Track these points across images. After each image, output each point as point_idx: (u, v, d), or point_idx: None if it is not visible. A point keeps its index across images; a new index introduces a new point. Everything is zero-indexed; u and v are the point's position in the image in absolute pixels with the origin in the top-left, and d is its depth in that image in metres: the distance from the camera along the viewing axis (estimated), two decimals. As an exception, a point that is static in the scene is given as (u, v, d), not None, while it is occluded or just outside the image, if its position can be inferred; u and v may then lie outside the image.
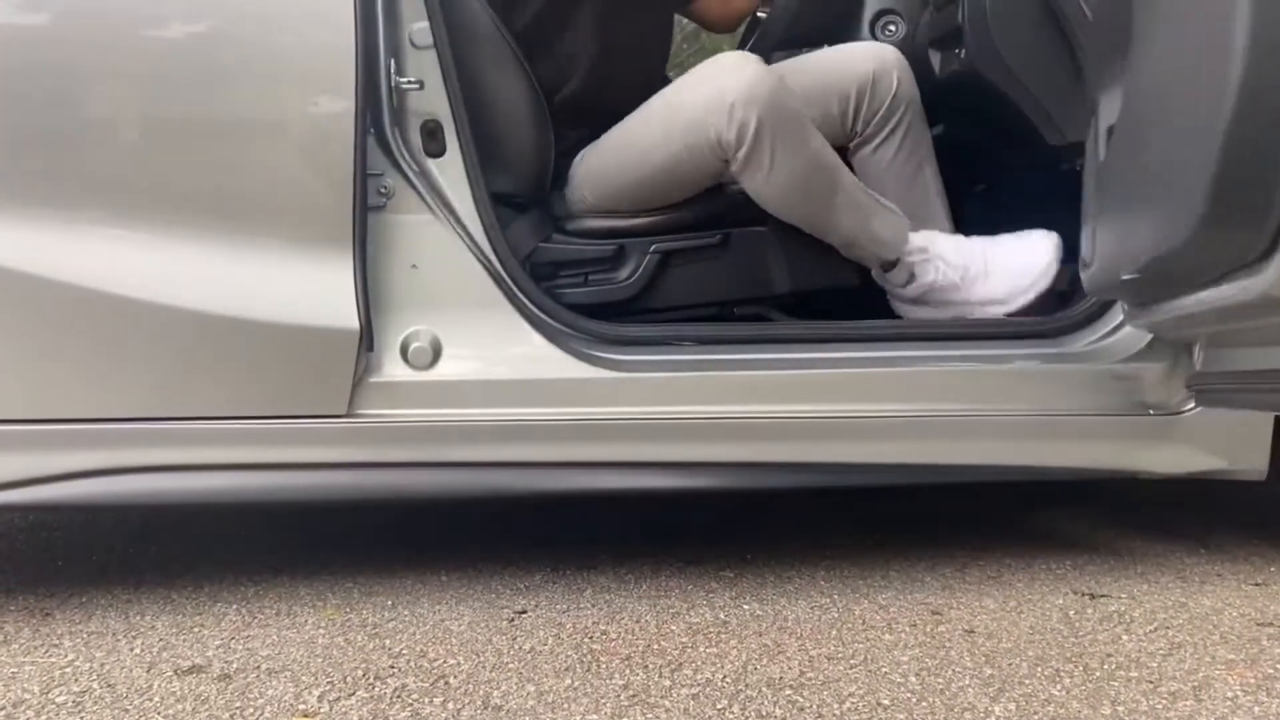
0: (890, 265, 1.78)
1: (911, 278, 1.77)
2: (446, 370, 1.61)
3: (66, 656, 1.39)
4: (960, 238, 1.80)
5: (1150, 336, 1.65)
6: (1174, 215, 1.22)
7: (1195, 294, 1.35)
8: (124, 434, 1.55)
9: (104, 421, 1.55)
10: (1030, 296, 1.74)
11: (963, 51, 1.81)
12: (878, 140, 1.83)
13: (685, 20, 2.21)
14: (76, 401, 1.54)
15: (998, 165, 2.09)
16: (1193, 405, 1.64)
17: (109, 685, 1.29)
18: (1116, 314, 1.69)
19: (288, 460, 1.59)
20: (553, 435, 1.61)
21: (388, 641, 1.42)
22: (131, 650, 1.41)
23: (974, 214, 2.25)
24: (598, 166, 1.79)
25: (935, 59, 1.94)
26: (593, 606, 1.54)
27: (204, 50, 1.55)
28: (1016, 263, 1.75)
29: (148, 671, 1.33)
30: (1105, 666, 1.30)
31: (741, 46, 2.17)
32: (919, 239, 1.77)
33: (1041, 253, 1.74)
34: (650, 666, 1.31)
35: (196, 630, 1.47)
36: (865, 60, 1.82)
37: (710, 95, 1.66)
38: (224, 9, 1.55)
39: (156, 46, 1.54)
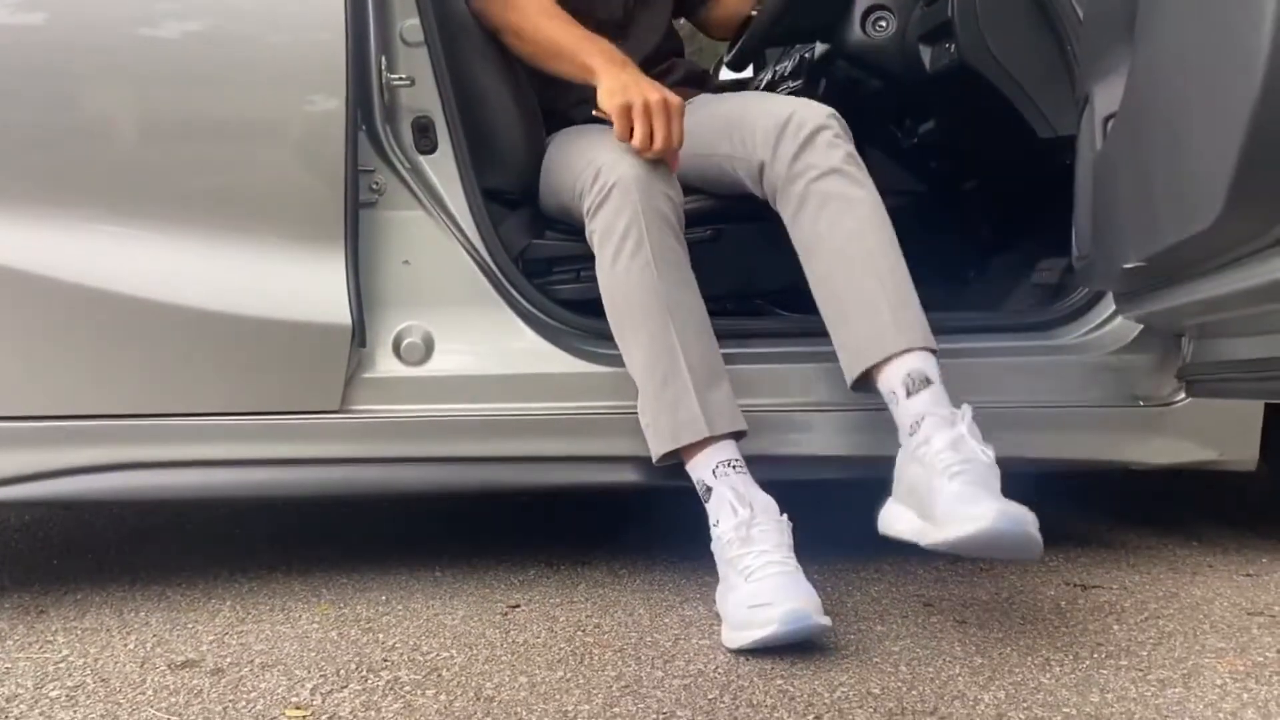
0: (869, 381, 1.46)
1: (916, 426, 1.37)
2: (439, 366, 1.62)
3: (60, 652, 1.39)
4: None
5: (1141, 328, 1.66)
6: (1191, 200, 1.21)
7: (1204, 280, 1.35)
8: (118, 430, 1.56)
9: (99, 418, 1.56)
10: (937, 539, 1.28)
11: (953, 46, 1.82)
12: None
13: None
14: (71, 398, 1.55)
15: (988, 161, 2.10)
16: (1183, 396, 1.65)
17: (102, 679, 1.30)
18: (1108, 306, 1.69)
19: (281, 456, 1.59)
20: (545, 430, 1.61)
21: (381, 635, 1.42)
22: (125, 645, 1.41)
23: (965, 210, 2.25)
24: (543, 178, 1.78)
25: (926, 54, 1.94)
26: (586, 600, 1.54)
27: (196, 48, 1.55)
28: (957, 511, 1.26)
29: (141, 666, 1.34)
30: (1095, 655, 1.30)
31: (733, 45, 2.18)
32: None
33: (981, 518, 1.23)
34: (643, 658, 1.32)
35: (190, 626, 1.48)
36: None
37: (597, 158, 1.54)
38: (215, 7, 1.56)
39: (149, 45, 1.54)
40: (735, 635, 1.33)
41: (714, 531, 1.42)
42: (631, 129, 1.49)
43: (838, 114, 1.56)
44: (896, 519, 1.39)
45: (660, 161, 1.53)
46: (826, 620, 1.30)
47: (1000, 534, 1.20)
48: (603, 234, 1.51)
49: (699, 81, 1.93)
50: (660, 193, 1.50)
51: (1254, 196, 1.13)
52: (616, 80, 1.52)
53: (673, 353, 1.46)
